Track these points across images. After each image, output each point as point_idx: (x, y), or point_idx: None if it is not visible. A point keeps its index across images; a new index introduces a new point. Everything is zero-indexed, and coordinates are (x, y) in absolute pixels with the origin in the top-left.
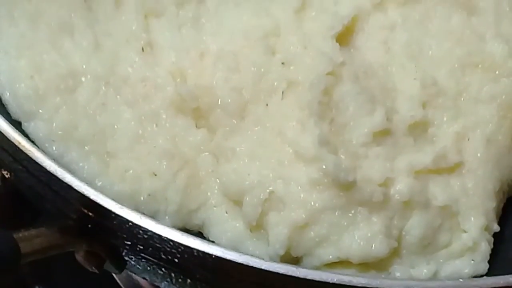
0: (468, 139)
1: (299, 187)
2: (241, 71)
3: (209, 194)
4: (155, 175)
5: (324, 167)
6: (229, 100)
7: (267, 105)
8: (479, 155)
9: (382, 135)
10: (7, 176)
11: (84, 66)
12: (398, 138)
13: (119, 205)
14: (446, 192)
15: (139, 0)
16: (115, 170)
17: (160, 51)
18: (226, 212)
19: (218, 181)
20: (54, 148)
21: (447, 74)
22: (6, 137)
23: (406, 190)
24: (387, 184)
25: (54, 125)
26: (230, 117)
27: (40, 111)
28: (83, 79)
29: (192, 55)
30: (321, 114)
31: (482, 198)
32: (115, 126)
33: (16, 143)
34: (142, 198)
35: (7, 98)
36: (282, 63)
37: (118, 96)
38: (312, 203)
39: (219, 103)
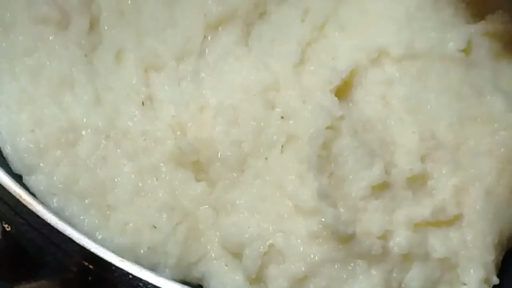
0: (468, 192)
1: (299, 240)
2: (241, 125)
3: (209, 247)
4: (155, 228)
5: (323, 220)
6: (229, 154)
7: (266, 158)
8: (478, 207)
9: (381, 188)
10: (8, 229)
11: (84, 120)
12: (397, 191)
13: (120, 258)
14: (445, 245)
15: (139, 55)
16: (115, 223)
17: (160, 105)
18: (226, 265)
19: (218, 234)
20: (54, 201)
21: (446, 127)
22: (7, 190)
23: (405, 243)
24: (386, 237)
25: (55, 178)
26: (230, 171)
27: (41, 164)
28: (83, 132)
29: (192, 108)
30: (320, 167)
31: (481, 251)
32: (116, 180)
33: (17, 197)
34: (142, 251)
35: (8, 151)
36: (282, 117)
37: (118, 150)
38: (312, 256)
39: (219, 156)
